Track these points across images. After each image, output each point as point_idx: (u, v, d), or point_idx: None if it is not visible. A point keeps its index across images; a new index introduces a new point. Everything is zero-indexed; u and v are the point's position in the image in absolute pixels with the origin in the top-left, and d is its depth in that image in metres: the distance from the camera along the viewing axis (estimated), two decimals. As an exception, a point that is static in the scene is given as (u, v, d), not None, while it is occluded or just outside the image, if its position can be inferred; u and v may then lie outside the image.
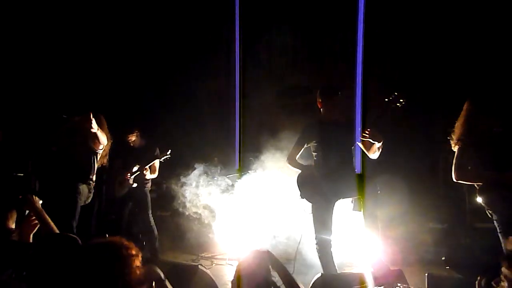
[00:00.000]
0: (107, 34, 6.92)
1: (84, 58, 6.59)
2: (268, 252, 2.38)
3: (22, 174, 5.30)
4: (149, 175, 5.02)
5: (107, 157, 4.46)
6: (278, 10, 7.35)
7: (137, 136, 5.04)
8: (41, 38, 6.20)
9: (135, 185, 4.92)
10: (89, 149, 4.14)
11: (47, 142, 4.27)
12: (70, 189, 4.01)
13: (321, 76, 7.10)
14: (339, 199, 3.51)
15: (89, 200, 4.22)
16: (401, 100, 3.27)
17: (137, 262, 1.76)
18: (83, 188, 4.09)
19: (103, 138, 4.07)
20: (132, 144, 5.03)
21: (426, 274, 3.22)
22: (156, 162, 5.06)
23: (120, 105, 6.49)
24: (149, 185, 5.13)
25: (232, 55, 7.62)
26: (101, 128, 4.03)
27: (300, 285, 2.27)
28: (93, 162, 4.19)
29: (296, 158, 3.82)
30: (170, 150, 5.05)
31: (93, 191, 4.25)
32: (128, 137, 4.96)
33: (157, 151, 5.11)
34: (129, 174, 4.87)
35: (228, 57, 7.66)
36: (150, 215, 5.03)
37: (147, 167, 4.92)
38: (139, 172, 4.89)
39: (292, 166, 3.78)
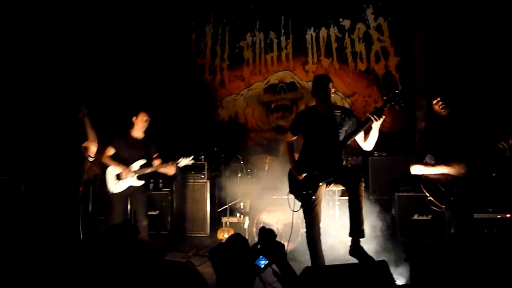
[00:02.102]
0: (90, 34, 6.88)
1: (67, 58, 6.53)
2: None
3: (5, 177, 5.24)
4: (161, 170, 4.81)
5: (100, 166, 4.45)
6: (262, 5, 7.38)
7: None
8: (24, 38, 6.13)
9: (140, 183, 4.70)
10: (80, 153, 4.15)
11: (33, 143, 4.24)
12: (59, 191, 3.99)
13: (305, 72, 7.16)
14: (325, 183, 3.55)
15: (76, 202, 4.19)
16: (401, 102, 3.33)
17: None
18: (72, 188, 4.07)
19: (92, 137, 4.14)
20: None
21: (410, 265, 3.29)
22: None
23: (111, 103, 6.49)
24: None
25: (216, 52, 7.64)
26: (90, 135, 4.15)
27: None
28: (82, 165, 4.19)
29: (292, 142, 3.86)
30: (193, 156, 4.82)
31: (80, 192, 4.23)
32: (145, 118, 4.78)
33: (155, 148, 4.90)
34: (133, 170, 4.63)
35: (212, 54, 7.67)
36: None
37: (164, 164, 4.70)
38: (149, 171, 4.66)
39: (286, 152, 3.84)
